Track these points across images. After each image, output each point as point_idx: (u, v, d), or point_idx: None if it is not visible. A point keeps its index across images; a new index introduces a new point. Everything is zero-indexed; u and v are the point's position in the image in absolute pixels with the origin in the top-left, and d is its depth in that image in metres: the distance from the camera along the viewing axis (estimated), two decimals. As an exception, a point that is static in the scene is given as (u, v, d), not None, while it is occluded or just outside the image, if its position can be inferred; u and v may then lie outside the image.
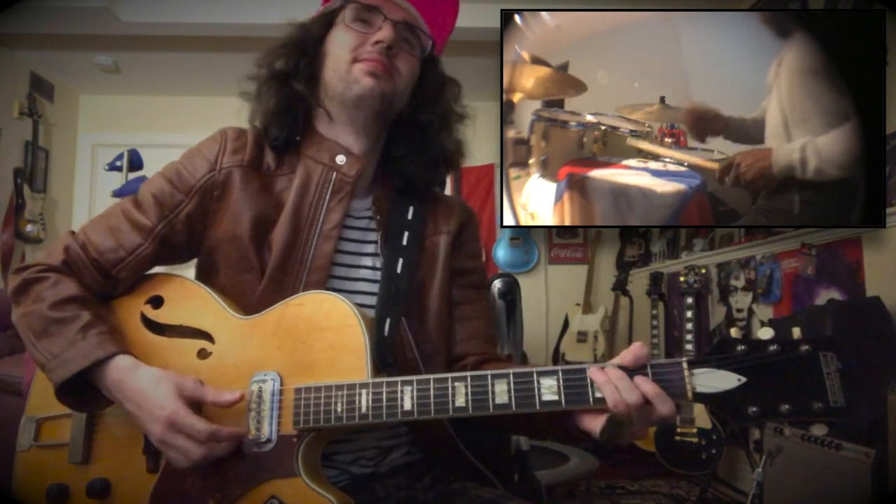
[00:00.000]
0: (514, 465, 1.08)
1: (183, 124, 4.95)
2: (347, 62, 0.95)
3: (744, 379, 0.71)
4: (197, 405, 0.81)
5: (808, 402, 0.70)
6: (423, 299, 1.00)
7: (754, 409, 0.71)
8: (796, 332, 0.72)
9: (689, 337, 3.11)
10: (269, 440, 0.80)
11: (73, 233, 0.97)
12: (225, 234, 0.94)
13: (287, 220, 0.94)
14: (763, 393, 0.71)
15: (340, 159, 0.97)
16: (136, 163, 3.85)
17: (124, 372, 0.83)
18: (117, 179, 3.82)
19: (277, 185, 0.97)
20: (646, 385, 0.74)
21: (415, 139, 1.02)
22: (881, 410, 1.70)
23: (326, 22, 1.01)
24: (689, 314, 3.15)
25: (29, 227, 4.20)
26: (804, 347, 0.71)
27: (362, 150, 1.00)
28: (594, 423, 0.78)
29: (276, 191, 0.97)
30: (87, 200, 4.90)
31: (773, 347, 0.72)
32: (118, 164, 3.82)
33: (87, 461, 0.89)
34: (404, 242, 1.00)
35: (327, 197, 0.96)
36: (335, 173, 0.97)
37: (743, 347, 0.73)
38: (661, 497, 2.94)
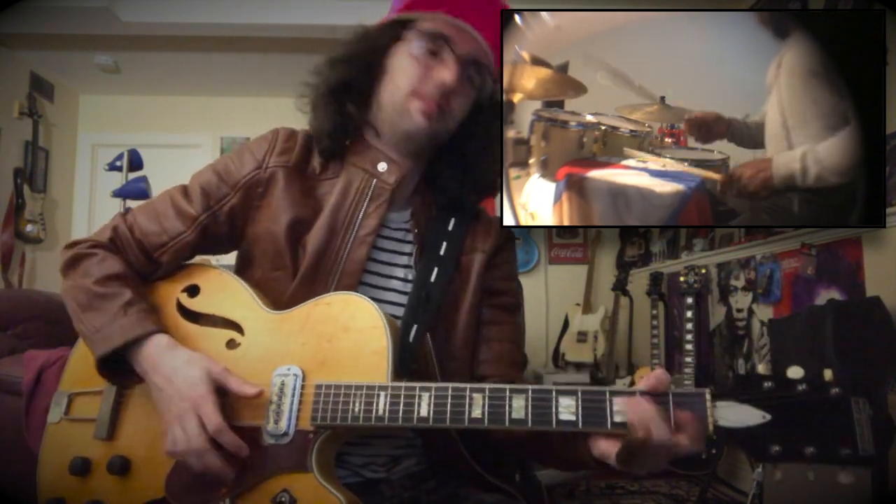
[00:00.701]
0: (516, 465, 1.08)
1: (183, 124, 4.96)
2: (405, 94, 0.95)
3: (769, 416, 0.69)
4: (221, 391, 0.83)
5: (835, 446, 0.67)
6: (453, 316, 1.00)
7: (777, 448, 0.69)
8: (828, 375, 0.70)
9: (689, 337, 3.11)
10: (286, 433, 0.81)
11: (124, 214, 1.01)
12: (263, 230, 0.97)
13: (323, 223, 0.95)
14: (788, 433, 0.69)
15: (382, 167, 0.98)
16: (136, 163, 3.84)
17: (161, 349, 0.86)
18: (117, 179, 3.82)
19: (320, 188, 0.99)
20: (689, 422, 0.70)
21: (460, 160, 1.02)
22: (881, 411, 1.70)
23: (392, 34, 0.98)
24: (689, 314, 3.15)
25: (29, 227, 4.20)
26: (835, 390, 0.68)
27: (405, 161, 1.00)
28: (610, 448, 0.75)
29: (318, 194, 0.99)
30: (87, 200, 4.91)
31: (801, 387, 0.69)
32: (118, 164, 3.81)
33: (111, 438, 0.92)
34: (441, 253, 1.00)
35: (365, 203, 0.97)
36: (375, 180, 0.98)
37: (770, 384, 0.70)
38: (661, 497, 2.94)
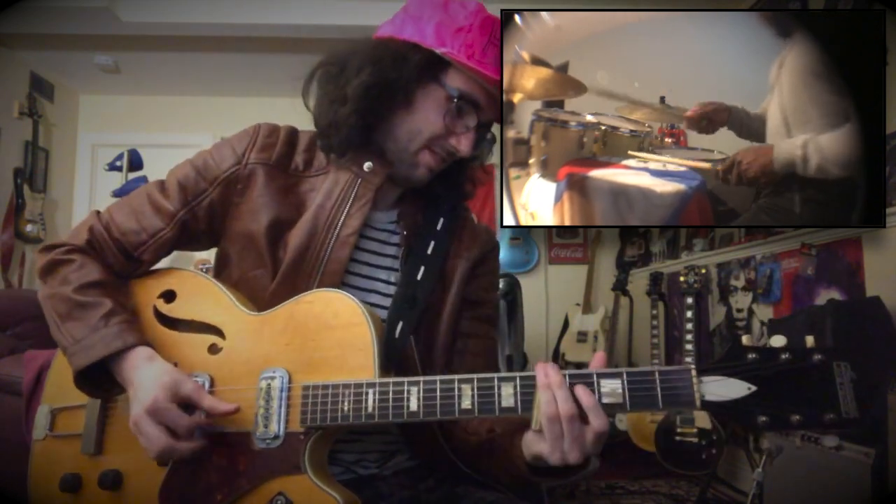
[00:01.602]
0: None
1: (183, 124, 4.95)
2: (421, 145, 0.95)
3: (754, 387, 0.69)
4: (188, 406, 0.82)
5: (819, 412, 0.68)
6: (435, 320, 0.99)
7: (764, 418, 0.69)
8: (809, 341, 0.70)
9: (689, 337, 3.11)
10: (276, 437, 0.81)
11: (98, 212, 0.98)
12: (243, 228, 0.95)
13: (306, 222, 0.94)
14: (774, 402, 0.69)
15: (368, 166, 0.96)
16: (136, 163, 3.85)
17: (140, 362, 0.84)
18: (117, 179, 3.82)
19: (303, 185, 0.98)
20: (584, 395, 0.72)
21: (447, 170, 1.02)
22: (881, 410, 1.70)
23: (430, 74, 0.93)
24: (689, 314, 3.15)
25: (29, 227, 4.20)
26: (817, 356, 0.69)
27: (391, 163, 0.99)
28: (530, 435, 0.77)
29: (301, 191, 0.97)
30: (87, 200, 4.90)
31: (785, 356, 0.70)
32: (118, 164, 3.82)
33: (99, 452, 0.90)
34: (429, 252, 1.00)
35: (349, 203, 0.95)
36: (360, 179, 0.96)
37: (754, 355, 0.71)
38: (661, 497, 2.94)
